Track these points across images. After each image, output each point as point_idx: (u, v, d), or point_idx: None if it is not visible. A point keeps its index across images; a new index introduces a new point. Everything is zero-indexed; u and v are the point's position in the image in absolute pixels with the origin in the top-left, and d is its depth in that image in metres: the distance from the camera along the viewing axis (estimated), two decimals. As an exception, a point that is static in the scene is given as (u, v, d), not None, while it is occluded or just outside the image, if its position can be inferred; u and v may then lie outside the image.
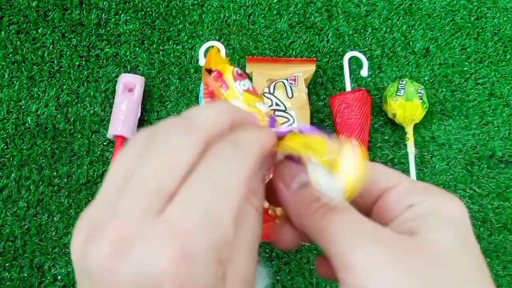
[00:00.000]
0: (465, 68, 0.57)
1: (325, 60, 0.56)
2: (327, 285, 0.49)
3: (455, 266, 0.17)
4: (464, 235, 0.18)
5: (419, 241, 0.17)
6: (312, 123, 0.53)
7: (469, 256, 0.17)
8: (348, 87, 0.54)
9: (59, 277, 0.46)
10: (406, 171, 0.52)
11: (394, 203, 0.19)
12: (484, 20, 0.59)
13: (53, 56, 0.54)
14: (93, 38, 0.55)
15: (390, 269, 0.17)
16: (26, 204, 0.48)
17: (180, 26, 0.56)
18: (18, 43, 0.54)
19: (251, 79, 0.54)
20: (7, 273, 0.46)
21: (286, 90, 0.51)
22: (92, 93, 0.53)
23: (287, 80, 0.52)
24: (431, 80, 0.56)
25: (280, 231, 0.22)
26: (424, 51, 0.57)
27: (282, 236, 0.22)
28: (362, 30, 0.58)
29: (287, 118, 0.50)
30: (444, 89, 0.56)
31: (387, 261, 0.17)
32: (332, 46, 0.57)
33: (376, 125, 0.54)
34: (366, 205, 0.21)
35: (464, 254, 0.17)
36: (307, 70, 0.53)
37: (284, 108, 0.50)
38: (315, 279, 0.49)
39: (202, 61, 0.55)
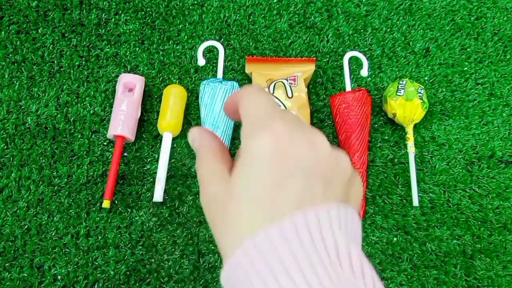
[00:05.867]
0: (465, 68, 0.57)
1: (325, 60, 0.56)
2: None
3: None
4: None
5: None
6: (312, 123, 0.53)
7: None
8: (348, 87, 0.54)
9: (59, 277, 0.47)
10: (406, 171, 0.52)
11: None
12: (484, 20, 0.59)
13: (53, 56, 0.54)
14: (93, 38, 0.55)
15: None
16: (26, 204, 0.48)
17: (180, 26, 0.56)
18: (18, 43, 0.54)
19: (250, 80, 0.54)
20: (7, 273, 0.46)
21: (286, 90, 0.51)
22: (92, 93, 0.53)
23: (286, 80, 0.52)
24: (431, 80, 0.56)
25: None
26: (424, 51, 0.57)
27: None
28: (362, 30, 0.58)
29: (287, 118, 0.50)
30: (444, 89, 0.56)
31: None
32: (332, 46, 0.57)
33: (376, 125, 0.54)
34: None
35: None
36: (306, 70, 0.53)
37: (284, 108, 0.50)
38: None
39: (201, 61, 0.55)
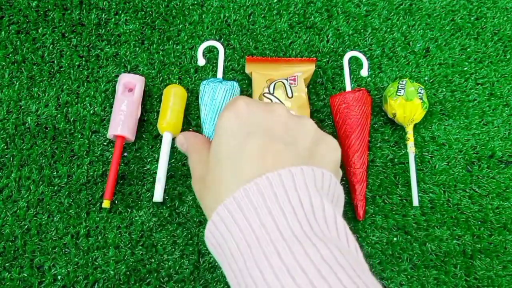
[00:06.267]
0: (465, 68, 0.57)
1: (325, 60, 0.56)
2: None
3: None
4: None
5: None
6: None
7: None
8: (348, 87, 0.54)
9: (59, 277, 0.47)
10: (406, 171, 0.52)
11: None
12: (484, 20, 0.59)
13: (53, 56, 0.54)
14: (93, 38, 0.55)
15: None
16: (26, 204, 0.48)
17: (180, 26, 0.56)
18: (18, 43, 0.54)
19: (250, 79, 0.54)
20: (7, 273, 0.46)
21: (286, 90, 0.51)
22: (92, 93, 0.53)
23: (286, 80, 0.52)
24: (431, 80, 0.56)
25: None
26: (424, 51, 0.57)
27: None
28: (362, 30, 0.58)
29: (287, 118, 0.50)
30: (444, 89, 0.56)
31: None
32: (332, 46, 0.57)
33: (376, 125, 0.54)
34: None
35: None
36: (306, 69, 0.53)
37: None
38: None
39: (201, 61, 0.55)
